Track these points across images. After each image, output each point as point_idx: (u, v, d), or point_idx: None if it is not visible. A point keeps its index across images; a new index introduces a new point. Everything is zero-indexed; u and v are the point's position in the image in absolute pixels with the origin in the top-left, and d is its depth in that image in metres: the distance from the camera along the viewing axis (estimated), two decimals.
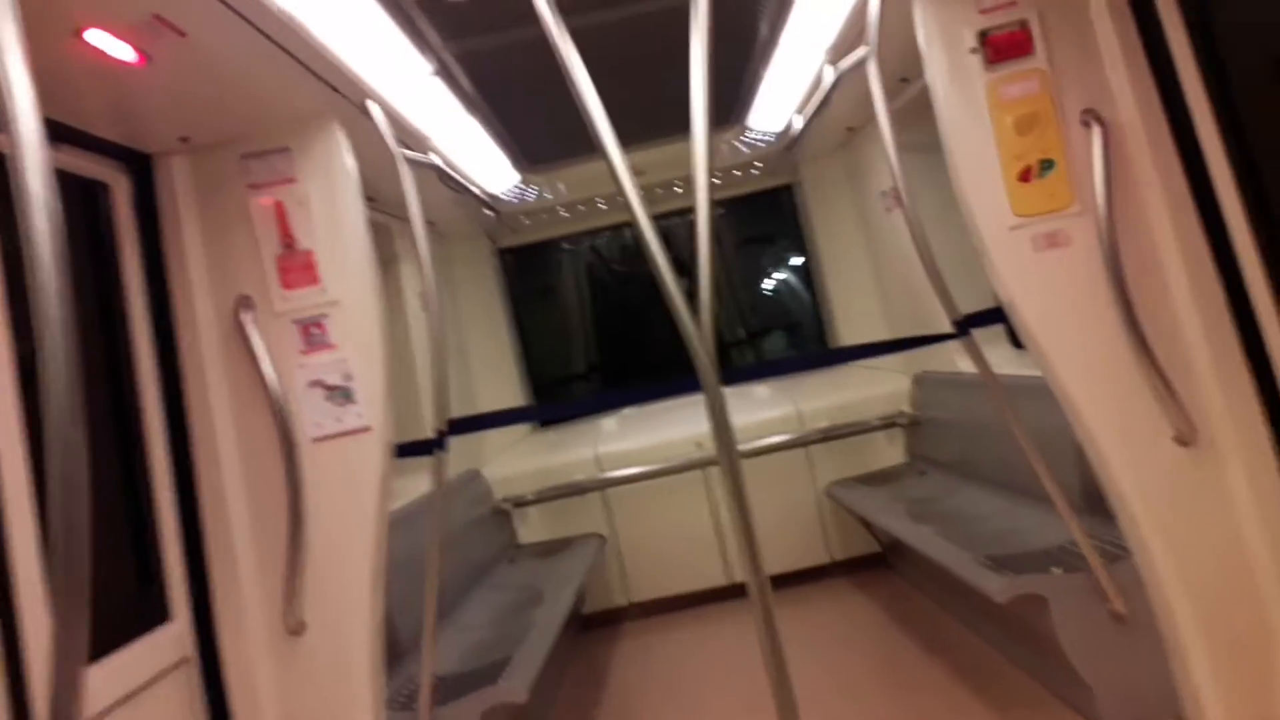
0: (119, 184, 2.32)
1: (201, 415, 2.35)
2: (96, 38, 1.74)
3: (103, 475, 2.21)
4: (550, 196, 4.75)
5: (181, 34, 1.81)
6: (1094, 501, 2.55)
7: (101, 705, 1.87)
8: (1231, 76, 2.11)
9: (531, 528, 4.51)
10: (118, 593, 2.19)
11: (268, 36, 1.97)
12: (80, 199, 2.26)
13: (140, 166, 2.38)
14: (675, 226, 5.66)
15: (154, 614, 2.22)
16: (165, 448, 2.31)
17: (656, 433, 4.58)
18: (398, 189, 2.57)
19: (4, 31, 0.97)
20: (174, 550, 2.29)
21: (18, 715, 1.54)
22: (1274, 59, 2.01)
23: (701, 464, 4.36)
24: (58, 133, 2.06)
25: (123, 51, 1.81)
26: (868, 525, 4.42)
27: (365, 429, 2.37)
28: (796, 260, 5.83)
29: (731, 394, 5.07)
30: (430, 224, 4.54)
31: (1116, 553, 2.50)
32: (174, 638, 2.22)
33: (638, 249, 5.74)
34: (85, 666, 1.06)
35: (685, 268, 4.86)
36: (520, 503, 4.44)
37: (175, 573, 2.28)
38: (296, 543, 2.29)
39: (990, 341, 3.72)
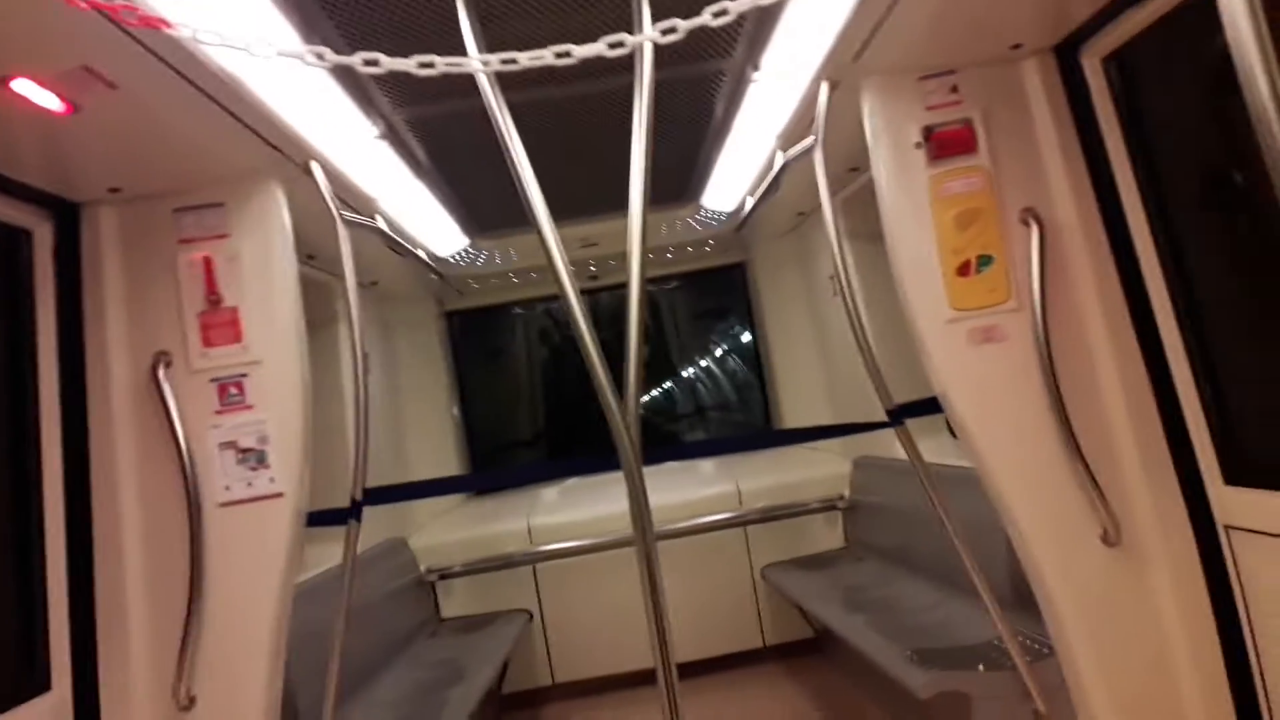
0: (42, 231, 2.25)
1: (105, 473, 2.25)
2: (23, 86, 1.70)
3: None
4: (500, 262, 4.74)
5: (112, 86, 1.77)
6: (1023, 597, 2.54)
7: None
8: (1165, 179, 2.19)
9: (456, 601, 4.36)
10: None
11: (204, 92, 1.94)
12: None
13: (67, 215, 2.32)
14: (624, 297, 5.66)
15: (32, 683, 2.08)
16: (62, 506, 2.20)
17: (593, 506, 4.49)
18: (338, 248, 2.53)
19: None
20: (59, 614, 2.16)
21: None
22: (1204, 165, 2.09)
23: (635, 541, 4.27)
24: None
25: (49, 101, 1.76)
26: (802, 610, 4.36)
27: (277, 495, 2.29)
28: (746, 338, 5.86)
29: (673, 469, 5.04)
30: (374, 284, 4.49)
31: (1043, 651, 2.48)
32: (52, 709, 2.08)
33: (596, 314, 5.74)
34: None
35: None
36: (446, 574, 4.29)
37: (59, 639, 2.14)
38: (194, 612, 2.19)
39: (932, 429, 3.74)
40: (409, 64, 1.18)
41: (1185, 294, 2.19)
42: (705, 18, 1.22)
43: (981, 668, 2.55)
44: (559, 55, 1.23)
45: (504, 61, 1.23)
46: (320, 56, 1.20)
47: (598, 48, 1.25)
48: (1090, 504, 2.25)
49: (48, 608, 2.15)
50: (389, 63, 1.17)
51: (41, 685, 2.10)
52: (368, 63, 1.18)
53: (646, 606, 1.80)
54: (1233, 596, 2.15)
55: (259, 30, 1.86)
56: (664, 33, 1.21)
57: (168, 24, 1.26)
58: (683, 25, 1.21)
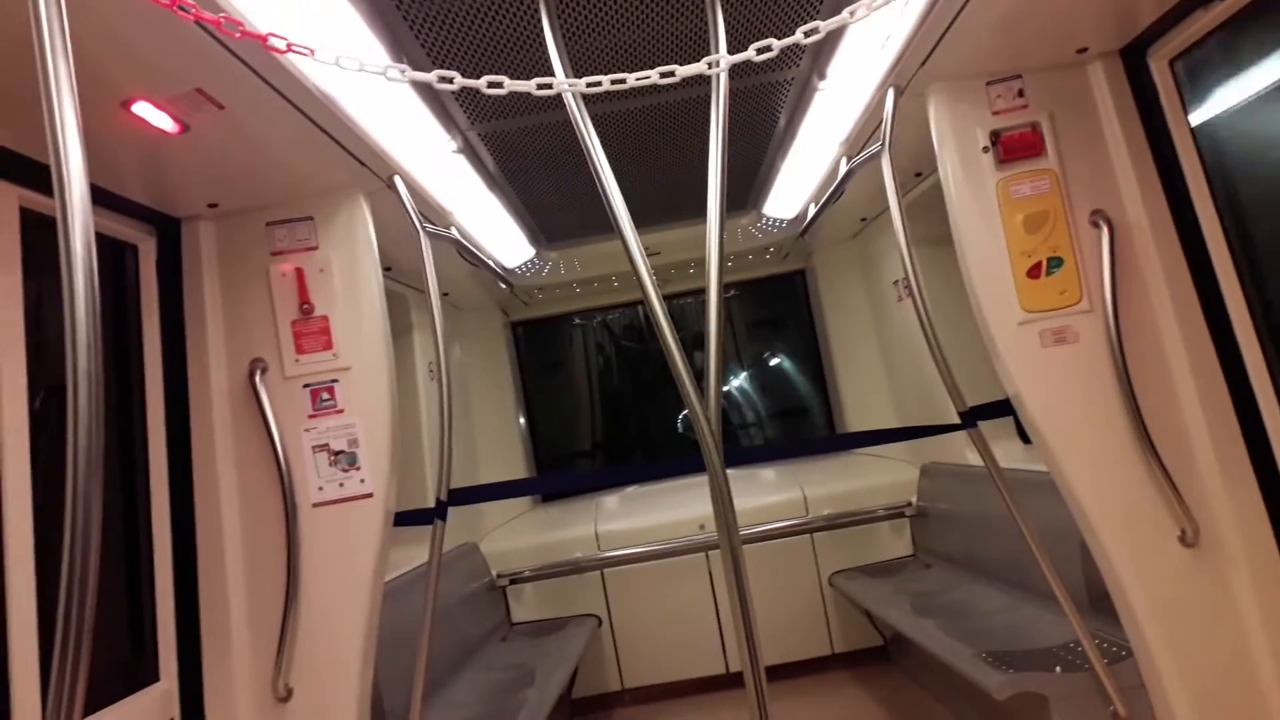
0: (146, 246, 2.39)
1: (206, 475, 2.36)
2: (142, 109, 1.82)
3: (104, 531, 2.21)
4: (564, 272, 4.82)
5: (220, 107, 1.88)
6: (1099, 600, 2.52)
7: None
8: (1236, 179, 2.17)
9: (526, 606, 4.43)
10: (107, 651, 2.17)
11: (302, 112, 2.04)
12: (108, 259, 2.32)
13: (167, 229, 2.45)
14: (686, 306, 5.72)
15: (143, 674, 2.20)
16: (167, 506, 2.32)
17: (659, 513, 4.53)
18: (415, 259, 2.62)
19: (64, 104, 1.02)
20: (167, 610, 2.27)
21: None
22: (1274, 164, 2.07)
23: (703, 547, 4.31)
24: (93, 196, 2.12)
25: (163, 122, 1.88)
26: (870, 617, 4.34)
27: (367, 495, 2.38)
28: (805, 346, 5.86)
29: (737, 475, 5.06)
30: (444, 295, 4.60)
31: (1120, 653, 2.46)
32: (161, 699, 2.19)
33: (647, 326, 5.79)
34: None
35: (694, 348, 4.88)
36: (517, 579, 4.37)
37: (167, 633, 2.26)
38: (291, 608, 2.28)
39: (999, 435, 3.71)
40: (529, 85, 1.23)
41: (1259, 292, 2.17)
42: (798, 36, 1.26)
43: (1059, 669, 2.52)
44: (664, 75, 1.27)
45: (614, 81, 1.28)
46: (402, 72, 1.26)
47: (698, 67, 1.29)
48: (1167, 504, 2.24)
49: (156, 604, 2.26)
50: (511, 84, 1.22)
51: (151, 676, 2.21)
52: (442, 80, 1.24)
53: (734, 607, 1.81)
54: None
55: (350, 49, 1.97)
56: (759, 51, 1.25)
57: (264, 39, 1.33)
58: (777, 44, 1.25)
